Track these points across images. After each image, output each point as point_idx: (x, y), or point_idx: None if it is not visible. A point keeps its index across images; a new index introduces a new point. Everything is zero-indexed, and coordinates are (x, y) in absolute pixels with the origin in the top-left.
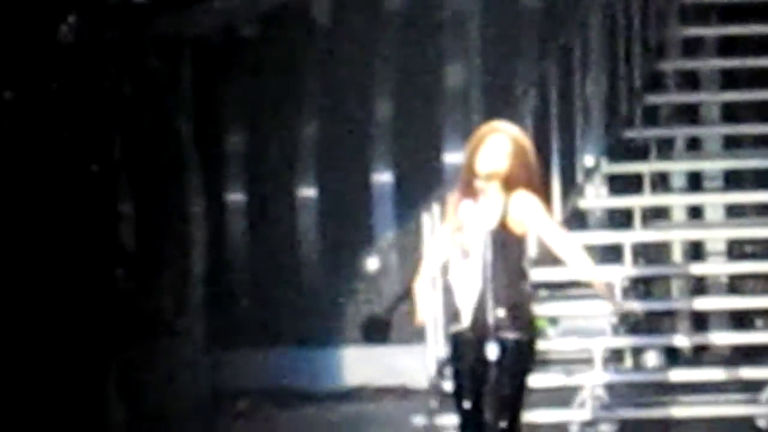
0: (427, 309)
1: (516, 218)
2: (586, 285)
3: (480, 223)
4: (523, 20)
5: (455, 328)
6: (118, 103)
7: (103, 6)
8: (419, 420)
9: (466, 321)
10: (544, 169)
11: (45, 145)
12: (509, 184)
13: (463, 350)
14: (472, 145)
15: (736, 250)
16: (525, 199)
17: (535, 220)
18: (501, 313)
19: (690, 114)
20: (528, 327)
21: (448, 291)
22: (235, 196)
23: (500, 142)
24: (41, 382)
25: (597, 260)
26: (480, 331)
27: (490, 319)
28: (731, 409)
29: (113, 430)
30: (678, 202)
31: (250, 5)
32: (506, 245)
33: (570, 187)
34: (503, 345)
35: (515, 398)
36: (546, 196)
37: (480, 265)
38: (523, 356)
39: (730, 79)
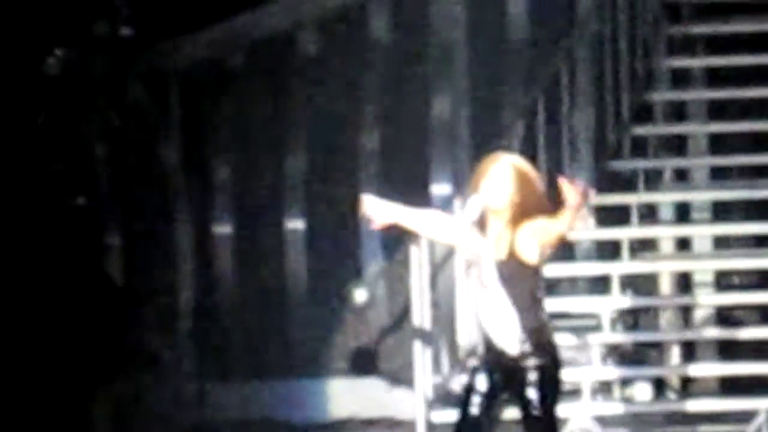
0: (379, 212)
1: (525, 247)
2: (576, 316)
3: (489, 255)
4: (511, 50)
5: (474, 360)
6: (106, 135)
7: (90, 38)
8: None
9: (488, 351)
10: None
11: (31, 177)
12: (517, 213)
13: (480, 381)
14: (476, 178)
15: (723, 281)
16: (530, 226)
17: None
18: (522, 341)
19: (678, 145)
20: (549, 352)
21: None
22: (223, 228)
23: (503, 172)
24: (26, 414)
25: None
26: (499, 361)
27: (513, 349)
28: None
29: None
30: (666, 233)
31: (237, 36)
32: (515, 276)
33: None
34: (528, 372)
35: (548, 425)
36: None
37: (494, 296)
38: (547, 383)
39: (718, 111)
